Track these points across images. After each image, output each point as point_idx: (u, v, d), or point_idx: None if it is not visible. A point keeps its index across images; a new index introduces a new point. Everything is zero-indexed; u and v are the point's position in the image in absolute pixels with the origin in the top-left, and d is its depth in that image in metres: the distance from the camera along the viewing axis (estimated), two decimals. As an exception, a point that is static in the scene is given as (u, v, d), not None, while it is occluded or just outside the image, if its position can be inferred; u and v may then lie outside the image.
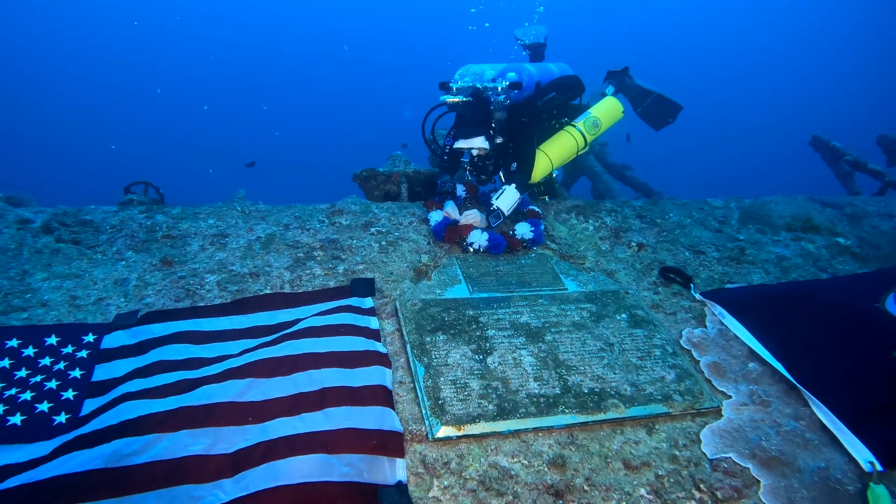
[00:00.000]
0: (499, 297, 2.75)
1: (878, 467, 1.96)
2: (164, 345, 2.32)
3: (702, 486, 1.89)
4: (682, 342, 2.61)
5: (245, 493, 1.67)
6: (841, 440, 2.09)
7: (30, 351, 2.25)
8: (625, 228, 3.68)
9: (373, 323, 2.50)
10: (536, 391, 2.17)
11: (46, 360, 2.22)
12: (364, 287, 2.75)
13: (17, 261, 2.86)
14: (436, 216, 3.37)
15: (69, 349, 2.28)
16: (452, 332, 2.46)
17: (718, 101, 34.09)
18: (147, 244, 3.08)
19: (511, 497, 1.79)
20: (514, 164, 3.61)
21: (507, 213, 3.40)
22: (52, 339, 2.31)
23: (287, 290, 2.78)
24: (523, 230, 3.27)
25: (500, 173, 3.66)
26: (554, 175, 3.91)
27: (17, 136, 28.22)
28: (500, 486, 1.82)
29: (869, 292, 2.87)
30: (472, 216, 3.39)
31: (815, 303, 2.79)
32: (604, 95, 4.32)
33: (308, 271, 2.93)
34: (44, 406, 2.04)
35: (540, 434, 2.04)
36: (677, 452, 2.02)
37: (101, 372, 2.21)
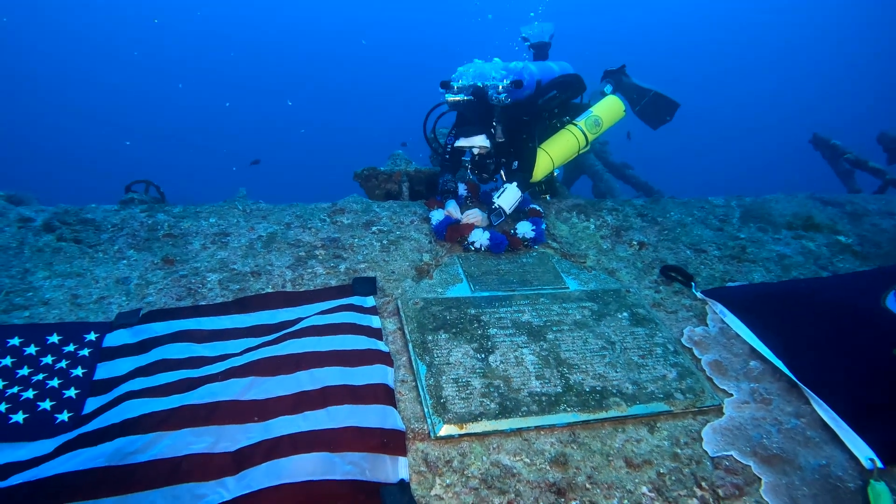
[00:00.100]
0: (500, 296, 2.76)
1: (879, 464, 1.96)
2: (165, 343, 2.32)
3: (703, 483, 1.90)
4: (683, 340, 2.61)
5: (248, 491, 1.67)
6: (842, 438, 2.09)
7: (32, 349, 2.25)
8: (626, 227, 3.68)
9: (375, 322, 2.51)
10: (538, 390, 2.18)
11: (48, 359, 2.23)
12: (366, 286, 2.76)
13: (18, 259, 2.86)
14: (437, 215, 3.37)
15: (71, 347, 2.29)
16: (454, 330, 2.47)
17: (719, 100, 34.08)
18: (148, 243, 3.08)
19: (513, 495, 1.79)
20: (516, 163, 3.61)
21: (508, 212, 3.40)
22: (54, 338, 2.31)
23: (289, 288, 2.78)
24: (525, 229, 3.27)
25: (502, 172, 3.66)
26: (555, 174, 3.91)
27: (17, 134, 28.22)
28: (502, 485, 1.82)
29: (870, 290, 2.88)
30: (474, 215, 3.40)
31: (815, 301, 2.79)
32: (603, 94, 4.31)
33: (310, 270, 2.94)
34: (46, 404, 2.04)
35: (542, 432, 2.04)
36: (679, 450, 2.03)
37: (104, 370, 2.22)
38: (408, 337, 2.42)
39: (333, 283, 2.84)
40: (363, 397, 2.03)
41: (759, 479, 1.92)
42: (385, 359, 2.27)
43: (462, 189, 3.77)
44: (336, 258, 3.05)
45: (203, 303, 2.64)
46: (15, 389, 2.09)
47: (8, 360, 2.19)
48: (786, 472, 1.95)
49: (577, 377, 2.26)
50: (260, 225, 3.33)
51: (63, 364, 2.22)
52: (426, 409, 2.06)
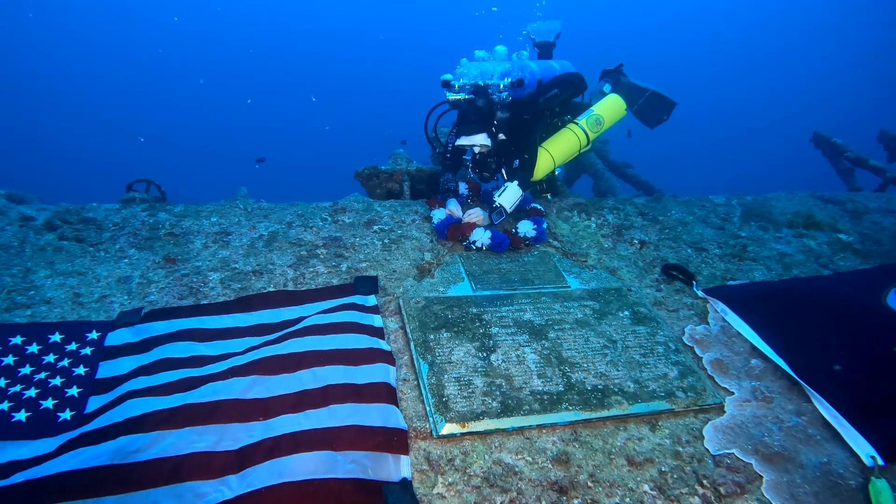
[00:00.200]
0: (502, 295, 2.76)
1: (880, 462, 1.96)
2: (167, 342, 2.32)
3: (705, 481, 1.90)
4: (684, 339, 2.62)
5: (250, 490, 1.68)
6: (843, 435, 2.09)
7: (34, 348, 2.26)
8: (627, 226, 3.68)
9: (376, 321, 2.51)
10: (540, 388, 2.18)
11: (50, 357, 2.23)
12: (367, 285, 2.76)
13: (19, 258, 2.86)
14: (438, 214, 3.37)
15: (73, 346, 2.29)
16: (456, 329, 2.47)
17: (719, 99, 34.07)
18: (150, 242, 3.08)
19: (515, 493, 1.80)
20: (517, 162, 3.61)
21: (509, 211, 3.40)
22: (56, 337, 2.32)
23: (290, 287, 2.78)
24: (526, 228, 3.27)
25: (503, 171, 3.66)
26: (556, 173, 3.90)
27: (18, 133, 28.21)
28: (504, 483, 1.83)
29: (871, 288, 2.88)
30: (475, 214, 3.40)
31: (817, 299, 2.79)
32: (602, 94, 4.31)
33: (311, 269, 2.94)
34: (48, 403, 2.05)
35: (544, 431, 2.05)
36: (680, 449, 2.03)
37: (106, 369, 2.22)
38: (409, 336, 2.42)
39: (335, 282, 2.84)
40: (365, 396, 2.03)
41: (761, 476, 1.93)
42: (387, 357, 2.27)
43: (463, 188, 3.77)
44: (337, 257, 3.06)
45: (205, 302, 2.64)
46: (17, 388, 2.09)
47: (10, 359, 2.20)
48: (787, 470, 1.95)
49: (578, 376, 2.27)
50: (261, 224, 3.33)
51: (65, 363, 2.22)
52: (428, 408, 2.06)
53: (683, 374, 2.35)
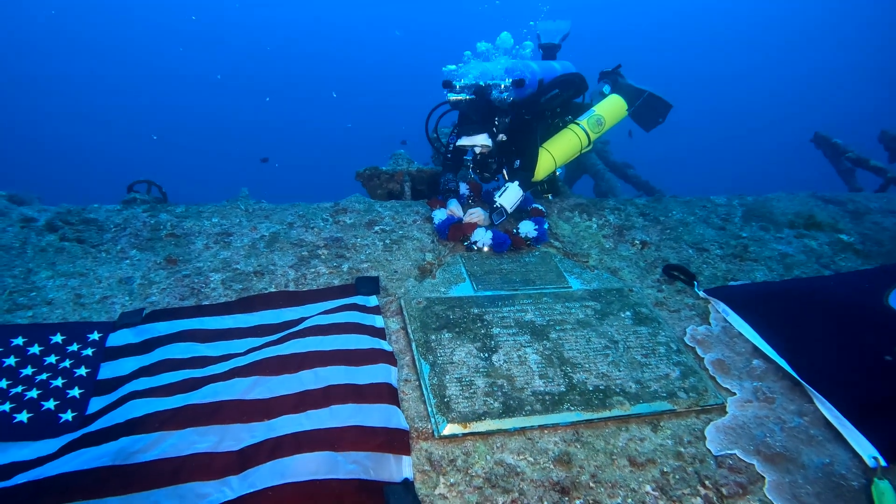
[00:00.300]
0: (503, 295, 2.76)
1: (883, 463, 1.96)
2: (169, 343, 2.32)
3: (707, 482, 1.90)
4: (686, 339, 2.61)
5: (252, 490, 1.68)
6: (845, 436, 2.09)
7: (35, 349, 2.26)
8: (628, 226, 3.68)
9: (378, 321, 2.51)
10: (542, 389, 2.18)
11: (52, 358, 2.23)
12: (369, 285, 2.76)
13: (21, 259, 2.86)
14: (440, 214, 3.37)
15: (74, 347, 2.29)
16: (457, 330, 2.47)
17: (720, 99, 34.07)
18: (151, 243, 3.08)
19: (517, 494, 1.79)
20: (518, 162, 3.61)
21: (509, 211, 3.40)
22: (58, 338, 2.32)
23: (292, 288, 2.78)
24: (527, 228, 3.27)
25: (504, 171, 3.66)
26: (557, 173, 3.90)
27: (19, 134, 28.24)
28: (506, 484, 1.82)
29: (872, 289, 2.88)
30: (476, 214, 3.40)
31: (818, 299, 2.79)
32: (602, 95, 4.30)
33: (312, 270, 2.94)
34: (50, 404, 2.05)
35: (545, 431, 2.04)
36: (682, 449, 2.03)
37: (107, 370, 2.22)
38: (411, 336, 2.42)
39: (336, 282, 2.84)
40: (367, 396, 2.03)
41: (763, 477, 1.92)
42: (388, 358, 2.27)
43: (464, 188, 3.77)
44: (339, 258, 3.06)
45: (206, 302, 2.64)
46: (19, 389, 2.09)
47: (12, 360, 2.20)
48: (789, 471, 1.95)
49: (580, 376, 2.27)
50: (262, 224, 3.33)
51: (67, 364, 2.22)
52: (430, 409, 2.06)
53: (685, 374, 2.35)
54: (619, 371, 2.32)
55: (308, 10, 35.50)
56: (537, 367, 2.28)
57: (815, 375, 2.32)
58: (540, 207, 3.61)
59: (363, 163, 4.47)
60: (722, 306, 2.85)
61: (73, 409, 2.04)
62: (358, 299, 2.64)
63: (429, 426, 2.01)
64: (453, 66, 3.41)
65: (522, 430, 2.03)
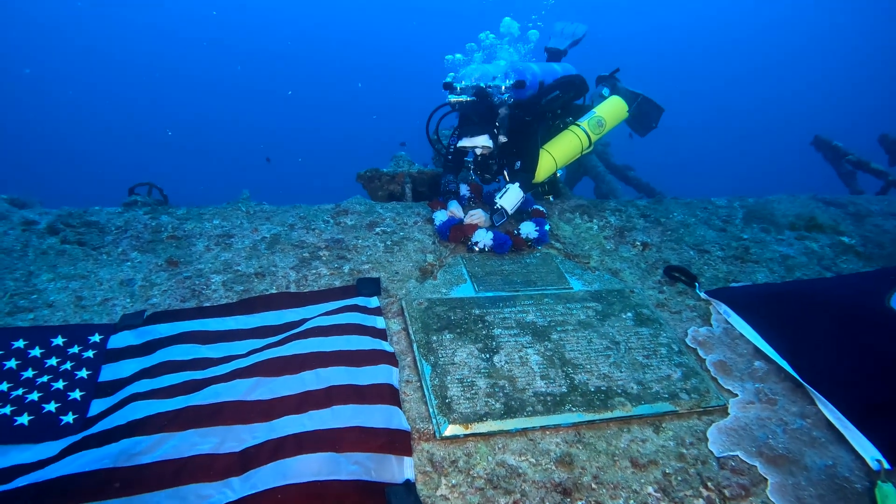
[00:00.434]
0: (504, 296, 2.76)
1: (886, 465, 1.95)
2: (170, 345, 2.32)
3: (709, 484, 1.89)
4: (687, 340, 2.61)
5: (253, 492, 1.67)
6: (848, 438, 2.08)
7: (36, 352, 2.25)
8: (629, 228, 3.68)
9: (379, 322, 2.51)
10: (543, 389, 2.17)
11: (53, 361, 2.23)
12: (370, 286, 2.76)
13: (22, 262, 2.86)
14: (441, 216, 3.37)
15: (75, 349, 2.29)
16: (458, 330, 2.46)
17: (721, 103, 34.12)
18: (152, 245, 3.08)
19: (519, 495, 1.79)
20: (518, 163, 3.62)
21: (510, 212, 3.40)
22: (59, 340, 2.32)
23: (293, 289, 2.78)
24: (528, 229, 3.27)
25: (505, 172, 3.66)
26: (558, 174, 3.91)
27: (20, 137, 28.31)
28: (507, 485, 1.82)
29: (874, 290, 2.87)
30: (477, 215, 3.40)
31: (820, 301, 2.78)
32: (602, 97, 4.31)
33: (314, 271, 2.94)
34: (51, 406, 2.04)
35: (547, 432, 2.04)
36: (684, 450, 2.02)
37: (108, 372, 2.22)
38: (412, 337, 2.42)
39: (337, 283, 2.84)
40: (368, 397, 2.03)
41: (766, 479, 1.92)
42: (390, 359, 2.27)
43: (464, 189, 3.77)
44: (340, 259, 3.06)
45: (207, 304, 2.64)
46: (20, 391, 2.09)
47: (13, 363, 2.19)
48: (792, 473, 1.94)
49: (581, 377, 2.26)
50: (263, 226, 3.33)
51: (68, 366, 2.22)
52: (431, 410, 2.06)
53: (687, 375, 2.34)
54: (621, 372, 2.32)
55: (308, 10, 35.64)
56: (539, 368, 2.28)
57: (816, 377, 2.31)
58: (541, 209, 3.62)
59: (364, 165, 4.48)
60: (723, 308, 2.84)
61: (75, 411, 2.03)
62: (359, 300, 2.64)
63: (430, 427, 2.00)
64: (459, 56, 3.39)
65: (524, 430, 2.02)
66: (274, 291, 2.75)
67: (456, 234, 3.25)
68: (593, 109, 3.96)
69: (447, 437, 1.96)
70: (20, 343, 2.27)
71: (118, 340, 2.37)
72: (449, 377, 2.19)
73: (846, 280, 3.20)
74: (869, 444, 2.03)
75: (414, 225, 3.47)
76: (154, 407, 1.96)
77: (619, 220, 3.77)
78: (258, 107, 32.73)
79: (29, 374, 2.16)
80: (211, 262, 2.96)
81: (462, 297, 2.72)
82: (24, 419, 1.98)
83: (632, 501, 1.81)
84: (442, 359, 2.29)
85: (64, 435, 1.93)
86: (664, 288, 3.06)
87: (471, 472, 1.85)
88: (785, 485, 1.90)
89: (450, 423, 1.98)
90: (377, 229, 3.38)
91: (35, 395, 2.08)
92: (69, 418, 2.00)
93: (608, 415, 2.11)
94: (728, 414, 2.20)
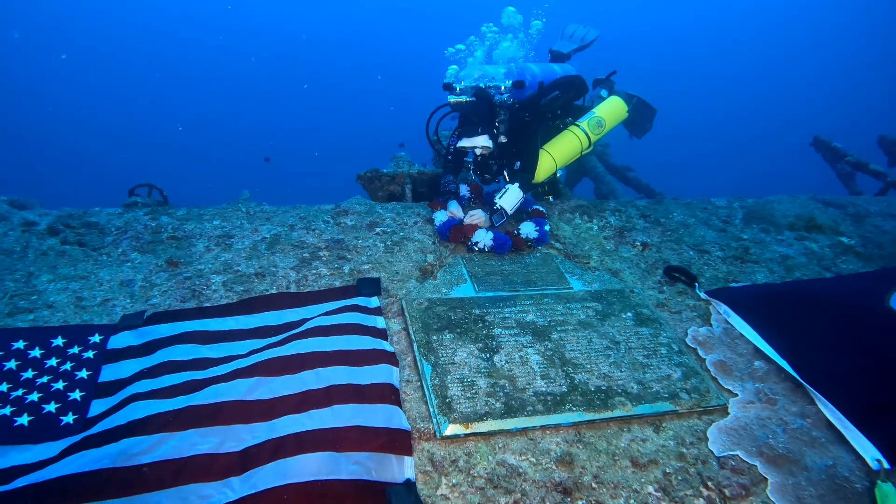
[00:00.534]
0: (504, 296, 2.76)
1: (886, 465, 1.95)
2: (170, 345, 2.32)
3: (709, 483, 1.89)
4: (687, 340, 2.61)
5: (254, 492, 1.67)
6: (848, 438, 2.08)
7: (36, 352, 2.25)
8: (629, 228, 3.68)
9: (379, 322, 2.51)
10: (543, 389, 2.17)
11: (53, 361, 2.23)
12: (370, 286, 2.76)
13: (22, 263, 2.86)
14: (440, 216, 3.38)
15: (75, 350, 2.29)
16: (459, 330, 2.46)
17: (720, 103, 34.18)
18: (152, 245, 3.08)
19: (519, 495, 1.79)
20: (518, 164, 3.62)
21: (509, 212, 3.41)
22: (59, 341, 2.31)
23: (293, 290, 2.78)
24: (528, 229, 3.28)
25: (504, 173, 3.67)
26: (558, 175, 3.91)
27: (20, 138, 28.32)
28: (508, 484, 1.82)
29: (873, 291, 2.87)
30: (476, 216, 3.40)
31: (819, 301, 2.79)
32: (601, 99, 4.31)
33: (314, 271, 2.94)
34: (51, 406, 2.04)
35: (547, 432, 2.04)
36: (684, 450, 2.02)
37: (108, 372, 2.21)
38: (412, 337, 2.42)
39: (338, 283, 2.84)
40: (368, 397, 2.03)
41: (766, 479, 1.92)
42: (390, 358, 2.27)
43: (464, 190, 3.77)
44: (340, 259, 3.06)
45: (207, 304, 2.64)
46: (20, 392, 2.09)
47: (12, 363, 2.19)
48: (792, 473, 1.94)
49: (581, 377, 2.26)
50: (264, 227, 3.33)
51: (68, 366, 2.21)
52: (431, 409, 2.06)
53: (687, 375, 2.34)
54: (621, 372, 2.32)
55: (309, 10, 35.67)
56: (539, 368, 2.28)
57: (816, 377, 2.31)
58: (541, 209, 3.62)
59: (364, 165, 4.49)
60: (723, 308, 2.85)
61: (75, 411, 2.03)
62: (359, 300, 2.64)
63: (430, 427, 2.00)
64: (460, 46, 3.37)
65: (524, 430, 2.02)
66: (274, 292, 2.75)
67: (456, 234, 3.25)
68: (593, 110, 3.97)
69: (447, 437, 1.96)
70: (20, 344, 2.27)
71: (118, 341, 2.36)
72: (449, 377, 2.19)
73: (846, 280, 3.20)
74: (869, 443, 2.03)
75: (414, 225, 3.47)
76: (154, 407, 1.96)
77: (618, 220, 3.77)
78: (258, 107, 32.78)
79: (29, 374, 2.16)
80: (211, 263, 2.97)
81: (462, 297, 2.73)
82: (24, 420, 1.98)
83: (632, 501, 1.81)
84: (442, 358, 2.29)
85: (64, 435, 1.93)
86: (664, 288, 3.06)
87: (471, 472, 1.85)
88: (785, 484, 1.90)
89: (450, 422, 1.98)
90: (377, 229, 3.38)
91: (35, 396, 2.08)
92: (69, 419, 2.00)
93: (608, 414, 2.11)
94: (728, 414, 2.20)
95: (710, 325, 2.74)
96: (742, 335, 2.66)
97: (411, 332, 2.45)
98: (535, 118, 3.62)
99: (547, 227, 3.38)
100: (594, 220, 3.73)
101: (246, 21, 34.65)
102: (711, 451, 2.02)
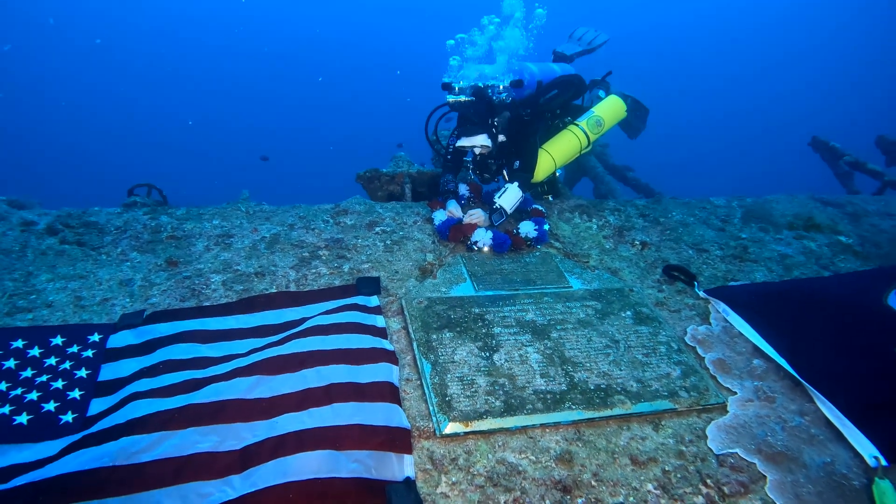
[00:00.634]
0: (504, 295, 2.76)
1: (884, 462, 1.96)
2: (170, 344, 2.32)
3: (708, 481, 1.90)
4: (686, 339, 2.62)
5: (254, 489, 1.67)
6: (846, 435, 2.09)
7: (35, 351, 2.25)
8: (628, 227, 3.69)
9: (379, 321, 2.51)
10: (543, 388, 2.18)
11: (52, 360, 2.23)
12: (370, 285, 2.76)
13: (21, 262, 2.86)
14: (440, 215, 3.38)
15: (75, 349, 2.29)
16: (458, 329, 2.47)
17: (720, 103, 34.22)
18: (152, 245, 3.08)
19: (519, 493, 1.79)
20: (517, 163, 3.62)
21: (509, 212, 3.41)
22: (58, 340, 2.31)
23: (293, 289, 2.78)
24: (527, 228, 3.28)
25: (504, 172, 3.67)
26: (557, 174, 3.92)
27: (20, 138, 28.29)
28: (507, 482, 1.82)
29: (872, 289, 2.88)
30: (476, 215, 3.41)
31: (818, 299, 2.80)
32: (599, 99, 4.31)
33: (313, 270, 2.94)
34: (50, 405, 2.04)
35: (547, 430, 2.04)
36: (684, 448, 2.03)
37: (108, 371, 2.22)
38: (412, 336, 2.42)
39: (337, 283, 2.84)
40: (368, 395, 2.03)
41: (764, 476, 1.92)
42: (390, 357, 2.27)
43: (463, 189, 3.77)
44: (340, 258, 3.06)
45: (207, 304, 2.64)
46: (19, 391, 2.09)
47: (11, 363, 2.19)
48: (791, 470, 1.95)
49: (581, 375, 2.27)
50: (263, 226, 3.34)
51: (67, 365, 2.21)
52: (431, 408, 2.06)
53: (686, 373, 2.35)
54: (621, 370, 2.32)
55: (308, 10, 35.67)
56: (538, 366, 2.28)
57: (815, 375, 2.32)
58: (540, 208, 3.62)
59: (363, 165, 4.49)
60: (722, 306, 2.85)
61: (74, 410, 2.03)
62: (359, 299, 2.64)
63: (430, 425, 2.01)
64: (462, 36, 3.36)
65: (524, 428, 2.03)
66: (274, 291, 2.75)
67: (455, 233, 3.26)
68: (591, 109, 3.97)
69: (447, 435, 1.96)
70: (19, 343, 2.27)
71: (118, 340, 2.36)
72: (449, 375, 2.20)
73: (844, 279, 3.21)
74: (867, 441, 2.04)
75: (413, 224, 3.47)
76: (154, 406, 1.96)
77: (618, 219, 3.78)
78: (258, 107, 32.77)
79: (28, 373, 2.16)
80: (210, 262, 2.97)
81: (462, 296, 2.73)
82: (24, 418, 1.98)
83: (632, 499, 1.81)
84: (442, 357, 2.29)
85: (63, 434, 1.93)
86: (663, 287, 3.07)
87: (471, 470, 1.86)
88: (784, 482, 1.90)
89: (450, 420, 1.99)
90: (377, 229, 3.39)
91: (34, 395, 2.08)
92: (68, 417, 2.00)
93: (608, 412, 2.12)
94: (727, 412, 2.21)
95: (709, 324, 2.75)
96: (741, 333, 2.66)
97: (411, 330, 2.46)
98: (533, 117, 3.62)
99: (546, 227, 3.39)
100: (593, 220, 3.73)
101: (246, 21, 34.66)
102: (710, 449, 2.03)
